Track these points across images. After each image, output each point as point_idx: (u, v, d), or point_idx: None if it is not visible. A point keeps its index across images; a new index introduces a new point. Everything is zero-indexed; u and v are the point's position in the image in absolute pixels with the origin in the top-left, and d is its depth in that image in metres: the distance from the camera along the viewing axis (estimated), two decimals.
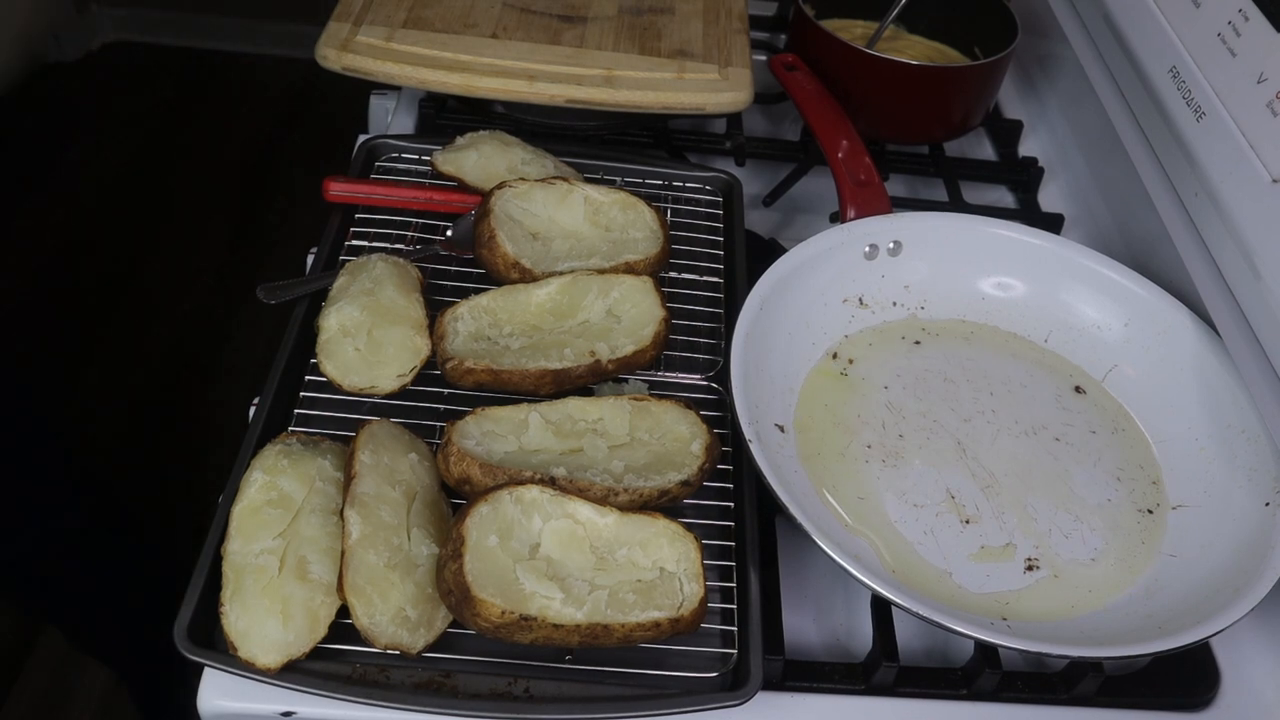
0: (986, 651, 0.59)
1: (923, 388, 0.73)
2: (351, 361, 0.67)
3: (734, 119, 0.93)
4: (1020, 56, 1.03)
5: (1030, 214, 0.89)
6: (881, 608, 0.60)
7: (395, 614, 0.55)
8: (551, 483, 0.59)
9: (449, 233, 0.78)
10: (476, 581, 0.53)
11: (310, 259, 0.78)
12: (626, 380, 0.70)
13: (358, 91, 0.95)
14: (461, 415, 0.63)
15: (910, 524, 0.65)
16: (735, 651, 0.58)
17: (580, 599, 0.55)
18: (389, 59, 0.85)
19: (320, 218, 0.79)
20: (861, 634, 0.62)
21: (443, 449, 0.61)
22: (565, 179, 0.77)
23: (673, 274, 0.78)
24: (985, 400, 0.72)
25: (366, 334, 0.68)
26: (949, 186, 0.90)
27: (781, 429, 0.68)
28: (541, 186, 0.76)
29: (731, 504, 0.64)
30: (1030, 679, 0.60)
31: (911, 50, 0.98)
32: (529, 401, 0.65)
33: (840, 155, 0.81)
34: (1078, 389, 0.74)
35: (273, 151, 2.38)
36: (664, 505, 0.61)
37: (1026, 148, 0.96)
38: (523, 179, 0.76)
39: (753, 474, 0.62)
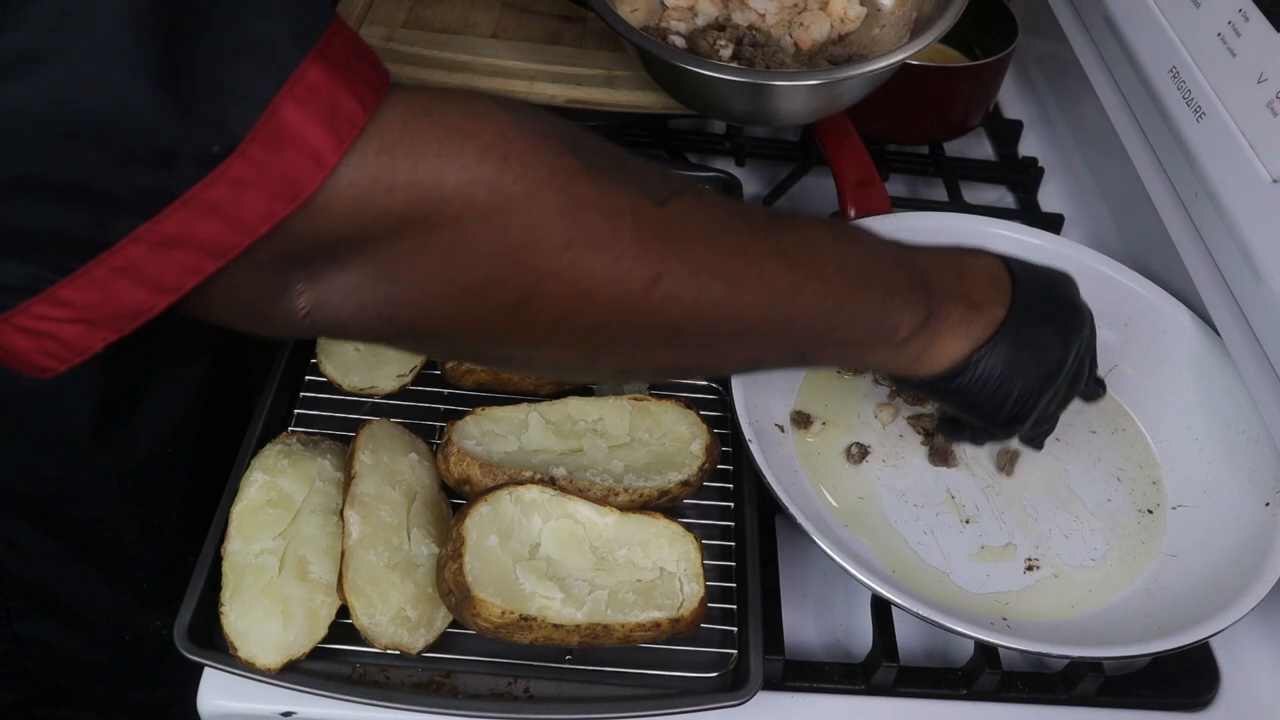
0: (986, 651, 0.59)
1: None
2: (351, 361, 0.67)
3: None
4: (1020, 56, 1.03)
5: (1030, 214, 0.89)
6: (881, 608, 0.60)
7: (395, 614, 0.55)
8: (551, 483, 0.59)
9: None
10: (476, 581, 0.53)
11: None
12: None
13: None
14: (461, 415, 0.63)
15: (910, 524, 0.65)
16: (735, 651, 0.58)
17: (580, 599, 0.55)
18: (389, 59, 0.85)
19: None
20: (861, 634, 0.62)
21: (443, 449, 0.61)
22: None
23: None
24: None
25: None
26: (949, 186, 0.90)
27: (781, 429, 0.68)
28: None
29: (731, 504, 0.64)
30: (1030, 679, 0.60)
31: None
32: (529, 401, 0.65)
33: (840, 155, 0.81)
34: None
35: None
36: (664, 505, 0.61)
37: (1026, 148, 0.96)
38: None
39: (753, 474, 0.62)
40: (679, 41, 0.78)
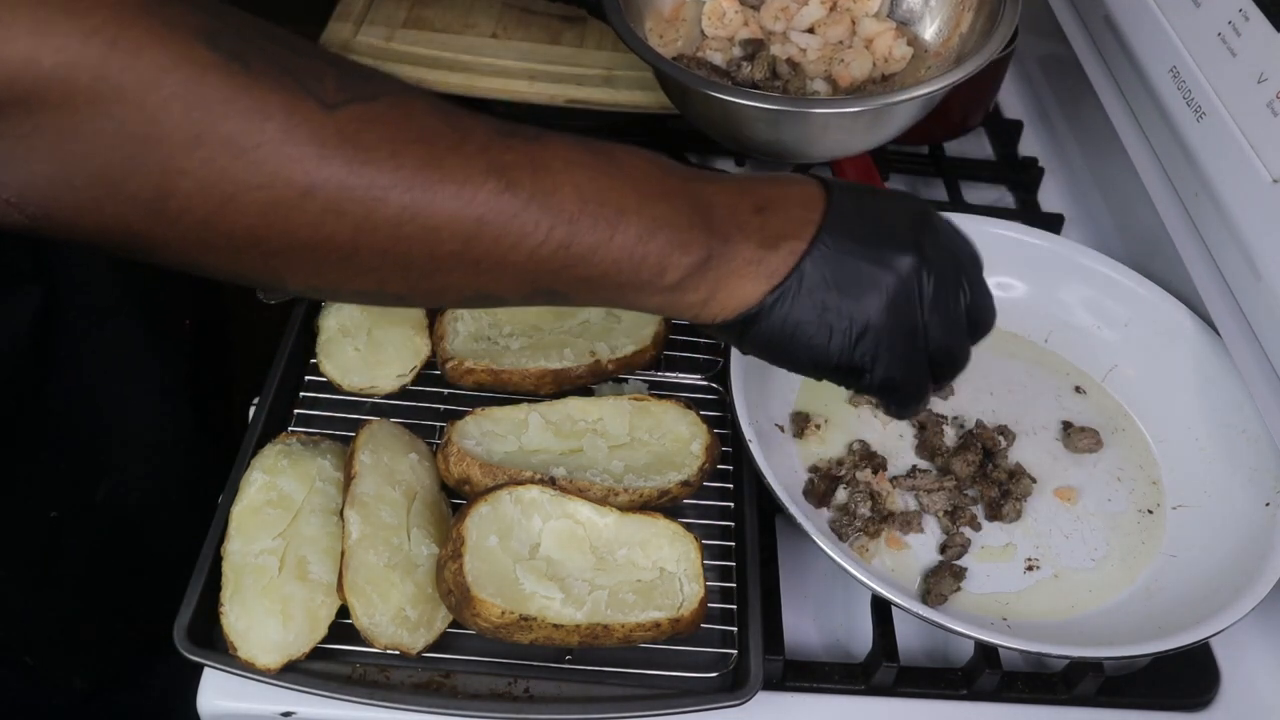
0: (986, 651, 0.59)
1: None
2: (351, 361, 0.67)
3: None
4: (1020, 56, 1.03)
5: (1030, 214, 0.88)
6: (881, 608, 0.60)
7: (395, 614, 0.55)
8: (551, 483, 0.59)
9: None
10: (476, 581, 0.53)
11: None
12: (626, 380, 0.70)
13: None
14: (461, 415, 0.63)
15: None
16: (735, 652, 0.58)
17: (580, 599, 0.55)
18: (389, 59, 0.85)
19: None
20: (861, 634, 0.62)
21: (443, 449, 0.61)
22: None
23: None
24: (985, 400, 0.72)
25: (366, 334, 0.68)
26: (949, 186, 0.90)
27: (781, 429, 0.68)
28: None
29: (731, 504, 0.64)
30: (1030, 679, 0.60)
31: None
32: (529, 401, 0.65)
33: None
34: (1078, 389, 0.74)
35: None
36: (664, 505, 0.61)
37: (1026, 148, 0.96)
38: None
39: (753, 474, 0.62)
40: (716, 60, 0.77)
